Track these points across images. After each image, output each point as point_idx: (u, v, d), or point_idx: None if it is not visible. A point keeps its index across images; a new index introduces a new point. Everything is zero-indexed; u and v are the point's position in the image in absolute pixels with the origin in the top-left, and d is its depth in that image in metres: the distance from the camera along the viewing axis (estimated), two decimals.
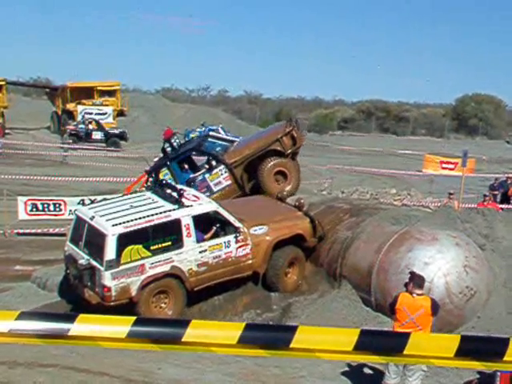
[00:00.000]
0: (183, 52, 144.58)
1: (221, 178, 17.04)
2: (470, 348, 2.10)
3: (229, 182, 17.05)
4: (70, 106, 44.52)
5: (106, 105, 45.75)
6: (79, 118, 43.73)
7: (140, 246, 12.51)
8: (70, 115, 44.42)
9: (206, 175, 17.07)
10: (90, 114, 44.40)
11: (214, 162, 17.12)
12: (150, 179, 17.46)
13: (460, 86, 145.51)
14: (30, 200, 19.63)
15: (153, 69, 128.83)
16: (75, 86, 45.60)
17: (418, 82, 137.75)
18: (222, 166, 17.03)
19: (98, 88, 46.12)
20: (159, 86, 78.15)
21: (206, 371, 9.98)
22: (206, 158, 17.42)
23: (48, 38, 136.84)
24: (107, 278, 12.25)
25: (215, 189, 16.93)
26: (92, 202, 15.60)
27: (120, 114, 46.94)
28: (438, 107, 74.16)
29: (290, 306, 13.41)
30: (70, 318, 2.18)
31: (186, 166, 17.62)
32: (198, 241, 13.10)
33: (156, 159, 19.38)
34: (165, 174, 16.82)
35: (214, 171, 17.04)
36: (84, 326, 2.15)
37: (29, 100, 55.49)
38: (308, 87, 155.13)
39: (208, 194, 16.37)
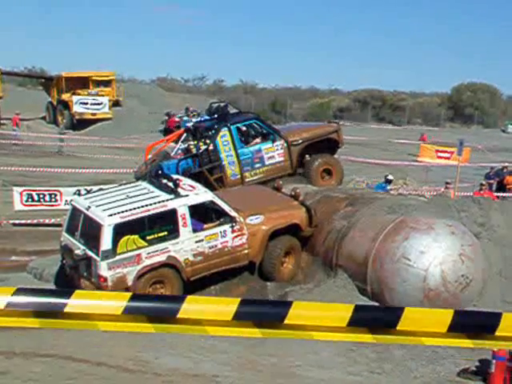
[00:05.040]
0: (178, 42, 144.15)
1: (275, 153, 17.53)
2: (463, 322, 2.11)
3: (281, 159, 17.60)
4: (65, 96, 44.25)
5: (102, 95, 45.50)
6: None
7: (136, 236, 12.52)
8: (66, 105, 44.21)
9: (263, 146, 17.40)
10: (86, 104, 44.23)
11: (272, 136, 17.57)
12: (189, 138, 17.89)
13: (456, 74, 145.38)
14: (25, 190, 19.60)
15: (148, 58, 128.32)
16: (70, 75, 45.30)
17: (414, 71, 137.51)
18: (279, 142, 17.51)
19: (94, 78, 45.86)
20: (154, 76, 77.66)
21: (203, 360, 10.01)
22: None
23: (42, 27, 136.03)
24: (103, 268, 12.26)
25: (267, 162, 17.41)
26: (88, 192, 15.56)
27: (115, 104, 46.74)
28: (434, 96, 74.05)
29: (285, 295, 13.42)
30: (66, 293, 2.18)
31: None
32: (195, 230, 13.12)
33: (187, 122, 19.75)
34: (222, 136, 16.90)
35: (271, 145, 17.44)
36: (80, 301, 2.15)
37: (24, 90, 55.24)
38: (303, 77, 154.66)
39: (259, 164, 17.18)
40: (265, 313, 2.14)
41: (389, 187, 20.65)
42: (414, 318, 2.11)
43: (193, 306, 2.13)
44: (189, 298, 2.15)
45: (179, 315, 2.12)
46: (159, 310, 2.15)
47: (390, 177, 21.18)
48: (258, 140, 17.51)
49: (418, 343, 2.15)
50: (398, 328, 2.10)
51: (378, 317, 2.16)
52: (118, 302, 2.15)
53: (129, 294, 2.17)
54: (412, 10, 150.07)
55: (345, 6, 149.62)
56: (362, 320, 2.12)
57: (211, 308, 2.14)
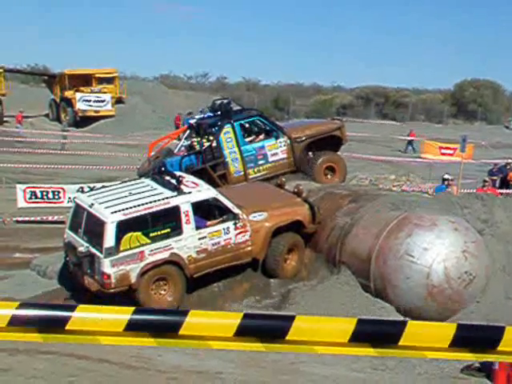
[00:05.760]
0: (181, 39, 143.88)
1: (278, 150, 17.47)
2: (466, 336, 2.10)
3: (284, 156, 17.54)
4: (68, 94, 44.27)
5: (105, 92, 45.50)
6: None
7: (139, 233, 12.53)
8: (69, 103, 44.24)
9: (266, 143, 17.37)
10: (89, 101, 44.25)
11: (276, 133, 17.54)
12: (193, 134, 17.90)
13: (459, 71, 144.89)
14: (28, 188, 19.63)
15: (150, 56, 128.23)
16: (73, 73, 45.32)
17: (417, 68, 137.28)
18: (283, 139, 17.47)
19: (96, 75, 45.84)
20: (157, 73, 77.61)
21: (206, 358, 10.00)
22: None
23: (45, 26, 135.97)
24: (106, 266, 12.27)
25: (270, 159, 17.36)
26: (91, 189, 15.59)
27: (118, 101, 46.75)
28: (437, 93, 73.90)
29: (289, 292, 13.43)
30: (69, 308, 2.18)
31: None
32: (198, 227, 13.12)
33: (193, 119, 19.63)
34: (225, 132, 16.91)
35: (274, 142, 17.41)
36: (83, 315, 2.15)
37: (27, 87, 55.26)
38: (306, 73, 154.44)
39: (263, 161, 17.15)
40: (267, 327, 2.14)
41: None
42: (416, 331, 2.11)
43: (195, 321, 2.13)
44: (191, 312, 2.15)
45: (181, 330, 2.12)
46: (162, 324, 2.15)
47: (447, 176, 21.03)
48: (261, 137, 17.48)
49: (420, 357, 2.15)
50: (400, 342, 2.10)
51: (380, 331, 2.15)
52: (120, 317, 2.14)
53: (132, 309, 2.17)
54: (414, 6, 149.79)
55: (347, 2, 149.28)
56: (364, 334, 2.11)
57: (214, 322, 2.14)
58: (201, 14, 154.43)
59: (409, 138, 41.26)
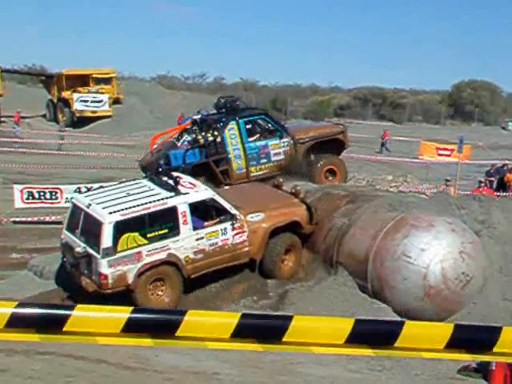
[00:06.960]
0: (179, 39, 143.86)
1: (281, 150, 17.52)
2: (463, 336, 2.11)
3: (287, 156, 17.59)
4: (66, 94, 44.21)
5: (102, 92, 45.45)
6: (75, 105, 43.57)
7: (136, 234, 12.52)
8: (66, 103, 44.19)
9: (269, 142, 17.42)
10: (86, 101, 44.21)
11: (280, 133, 17.61)
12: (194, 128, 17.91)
13: (456, 72, 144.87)
14: (26, 188, 19.60)
15: (148, 56, 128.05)
16: (70, 73, 45.24)
17: (414, 69, 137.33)
18: (286, 139, 17.53)
19: (94, 76, 45.79)
20: (155, 74, 77.47)
21: (203, 358, 10.00)
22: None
23: (43, 26, 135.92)
24: (104, 266, 12.27)
25: (273, 158, 17.43)
26: (88, 189, 15.56)
27: (116, 101, 46.70)
28: (434, 93, 73.94)
29: (286, 292, 13.43)
30: (67, 307, 2.18)
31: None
32: (196, 228, 13.11)
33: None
34: (230, 129, 16.93)
35: (278, 141, 17.45)
36: (81, 314, 2.15)
37: (24, 88, 55.16)
38: (304, 74, 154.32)
39: (265, 160, 17.23)
40: (265, 327, 2.14)
41: None
42: (413, 332, 2.11)
43: (193, 321, 2.13)
44: (189, 312, 2.15)
45: (179, 330, 2.12)
46: (159, 324, 2.15)
47: None
48: (265, 136, 17.52)
49: (417, 357, 2.15)
50: (397, 342, 2.10)
51: (377, 331, 2.16)
52: (118, 317, 2.14)
53: (129, 309, 2.17)
54: (412, 7, 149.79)
55: (345, 3, 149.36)
56: (361, 334, 2.12)
57: (211, 322, 2.14)
58: (199, 15, 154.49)
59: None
